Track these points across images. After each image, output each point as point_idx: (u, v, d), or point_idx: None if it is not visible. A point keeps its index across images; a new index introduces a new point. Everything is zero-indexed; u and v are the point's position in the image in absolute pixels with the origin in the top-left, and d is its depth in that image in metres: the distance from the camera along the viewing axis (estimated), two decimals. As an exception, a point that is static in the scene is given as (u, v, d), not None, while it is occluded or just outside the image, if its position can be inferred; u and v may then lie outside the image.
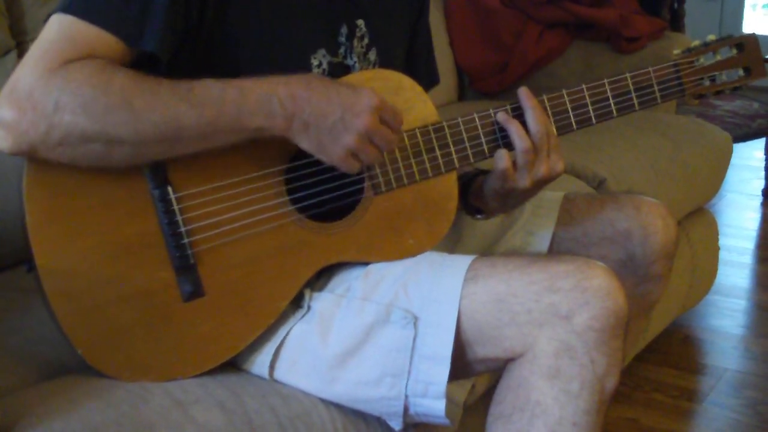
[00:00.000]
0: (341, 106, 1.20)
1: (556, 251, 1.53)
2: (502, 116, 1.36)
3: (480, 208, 1.47)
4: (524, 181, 1.35)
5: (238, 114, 1.17)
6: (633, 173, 2.33)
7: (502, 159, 1.34)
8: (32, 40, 1.73)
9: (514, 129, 1.34)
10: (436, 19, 2.94)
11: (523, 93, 1.36)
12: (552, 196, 1.58)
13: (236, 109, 1.17)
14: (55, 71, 1.11)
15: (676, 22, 3.59)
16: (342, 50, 1.37)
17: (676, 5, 3.60)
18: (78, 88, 1.11)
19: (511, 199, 1.42)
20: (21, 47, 1.74)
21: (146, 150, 1.16)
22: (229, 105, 1.16)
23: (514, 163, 1.35)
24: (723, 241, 2.89)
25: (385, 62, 1.44)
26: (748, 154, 4.38)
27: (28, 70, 1.12)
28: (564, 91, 1.40)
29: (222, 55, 1.26)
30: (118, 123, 1.12)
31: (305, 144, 1.21)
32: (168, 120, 1.14)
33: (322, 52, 1.33)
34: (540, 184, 1.38)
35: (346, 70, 1.38)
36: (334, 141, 1.21)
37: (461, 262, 1.26)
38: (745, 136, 3.52)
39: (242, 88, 1.18)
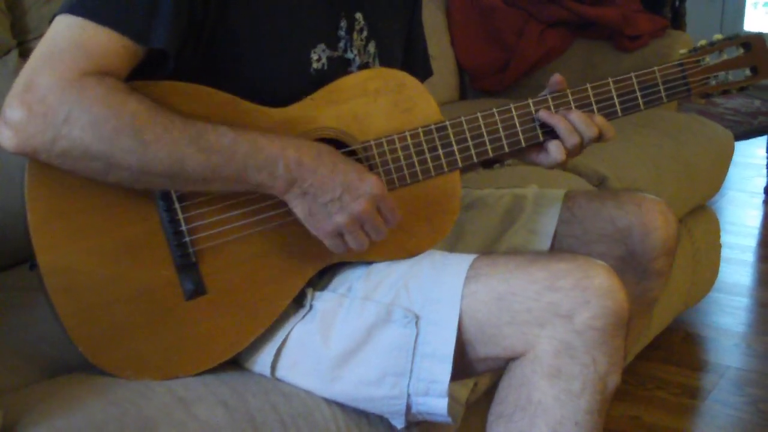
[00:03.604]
0: (343, 186, 1.20)
1: (557, 249, 1.53)
2: (544, 114, 1.36)
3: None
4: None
5: (244, 167, 1.17)
6: (634, 171, 2.33)
7: (558, 152, 1.36)
8: (34, 39, 1.74)
9: (563, 125, 1.36)
10: (437, 18, 2.94)
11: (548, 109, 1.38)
12: (553, 193, 1.58)
13: (243, 163, 1.17)
14: (72, 82, 1.11)
15: (678, 21, 3.59)
16: (342, 44, 1.37)
17: (677, 3, 3.60)
18: (91, 106, 1.11)
19: None
20: (22, 46, 1.74)
21: (145, 179, 1.17)
22: (236, 156, 1.17)
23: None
24: (725, 239, 2.89)
25: (383, 55, 1.44)
26: (749, 152, 4.38)
27: (44, 74, 1.11)
28: (568, 91, 1.39)
29: (224, 50, 1.26)
30: (124, 149, 1.13)
31: (297, 210, 1.22)
32: (173, 159, 1.14)
33: (321, 46, 1.33)
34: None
35: (346, 63, 1.38)
36: (327, 217, 1.22)
37: (462, 260, 1.26)
38: (747, 133, 3.52)
39: (254, 143, 1.18)
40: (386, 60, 1.44)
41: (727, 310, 2.90)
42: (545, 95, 1.40)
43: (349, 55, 1.38)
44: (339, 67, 1.36)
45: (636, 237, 1.48)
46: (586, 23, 2.96)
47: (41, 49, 1.14)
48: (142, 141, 1.13)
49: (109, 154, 1.13)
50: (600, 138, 1.38)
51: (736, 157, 2.88)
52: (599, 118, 1.38)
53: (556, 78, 1.40)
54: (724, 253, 2.89)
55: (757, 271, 3.27)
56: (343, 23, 1.37)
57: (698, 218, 2.66)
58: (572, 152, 1.38)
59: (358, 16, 1.40)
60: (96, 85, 1.12)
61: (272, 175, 1.18)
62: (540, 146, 1.39)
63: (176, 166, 1.15)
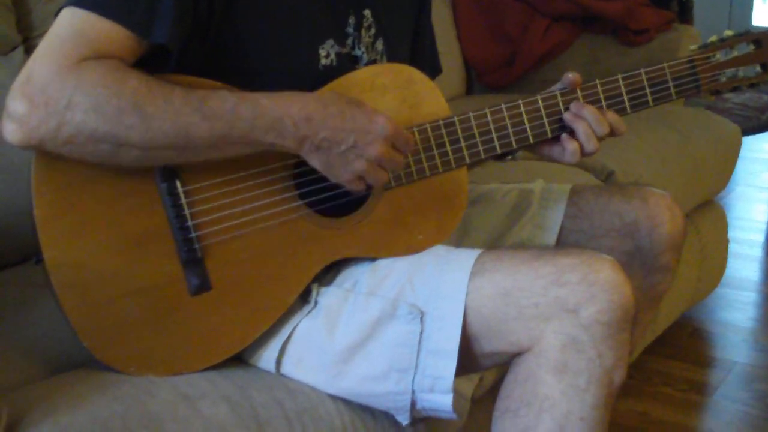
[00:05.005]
0: (355, 133, 1.21)
1: (563, 243, 1.53)
2: (576, 105, 1.37)
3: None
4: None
5: (251, 130, 1.17)
6: (641, 166, 2.32)
7: (575, 155, 1.37)
8: (39, 36, 1.74)
9: (583, 129, 1.36)
10: (443, 13, 2.94)
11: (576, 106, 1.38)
12: (560, 188, 1.57)
13: (248, 126, 1.17)
14: (70, 68, 1.11)
15: (685, 14, 3.57)
16: (350, 40, 1.37)
17: (684, -3, 3.58)
18: (91, 88, 1.11)
19: None
20: (28, 43, 1.74)
21: (155, 154, 1.17)
22: (241, 121, 1.17)
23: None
24: (732, 234, 2.88)
25: (391, 52, 1.44)
26: (757, 147, 4.36)
27: (42, 64, 1.12)
28: (578, 88, 1.39)
29: (231, 47, 1.26)
30: (129, 126, 1.12)
31: (314, 162, 1.23)
32: (178, 129, 1.14)
33: (330, 42, 1.33)
34: None
35: (354, 60, 1.38)
36: (345, 166, 1.22)
37: (468, 256, 1.26)
38: (755, 128, 3.50)
39: (256, 104, 1.18)
40: (394, 57, 1.44)
41: (735, 306, 2.89)
42: (554, 91, 1.39)
43: (357, 52, 1.38)
44: (347, 64, 1.35)
45: (643, 231, 1.47)
46: (592, 17, 2.95)
47: (43, 42, 1.14)
48: (145, 115, 1.13)
49: (114, 133, 1.12)
50: (611, 134, 1.38)
51: (744, 152, 2.87)
52: (611, 114, 1.38)
53: (571, 78, 1.39)
54: (732, 248, 2.88)
55: (765, 266, 3.25)
56: (352, 20, 1.37)
57: (706, 213, 2.66)
58: (587, 155, 1.38)
59: (366, 13, 1.40)
60: (94, 67, 1.12)
61: (281, 135, 1.19)
62: (551, 140, 1.39)
63: (182, 136, 1.15)
